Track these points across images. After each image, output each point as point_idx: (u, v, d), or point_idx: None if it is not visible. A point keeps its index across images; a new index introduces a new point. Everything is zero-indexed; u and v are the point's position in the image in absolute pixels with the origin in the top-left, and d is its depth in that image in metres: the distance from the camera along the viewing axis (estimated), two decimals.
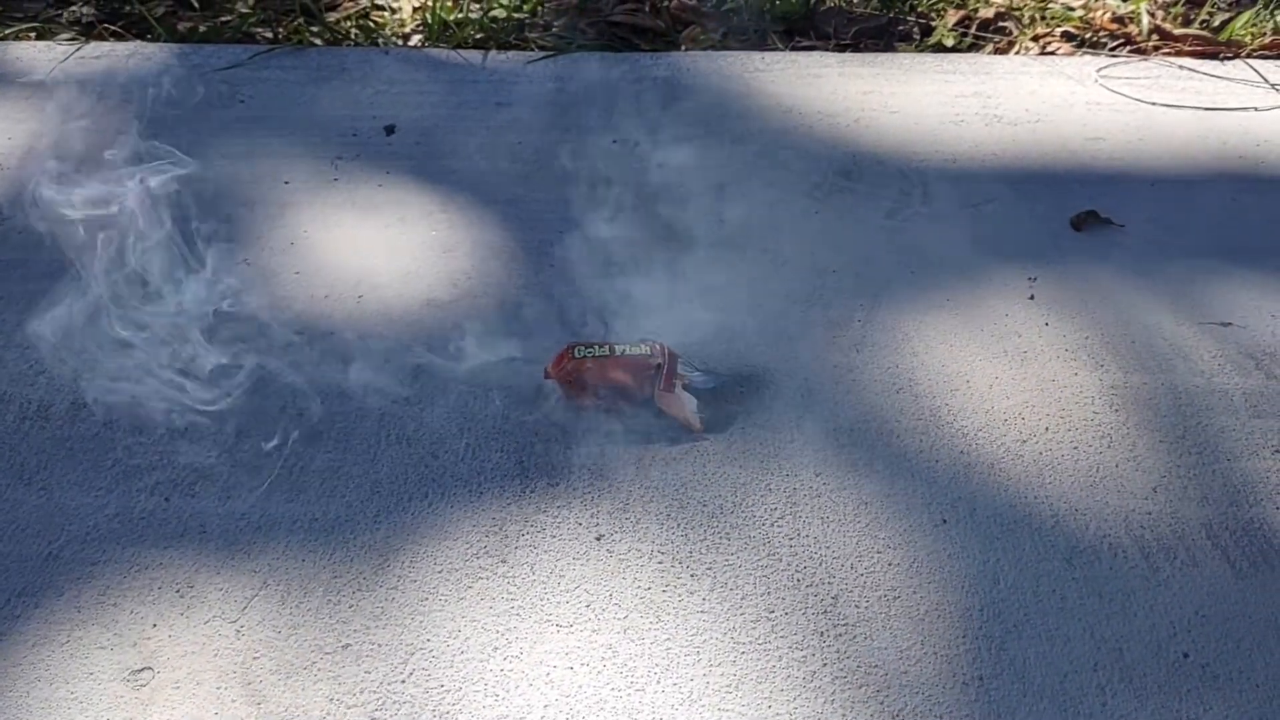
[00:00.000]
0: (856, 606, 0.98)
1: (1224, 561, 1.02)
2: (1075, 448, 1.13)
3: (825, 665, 0.93)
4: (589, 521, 1.05)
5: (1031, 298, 1.33)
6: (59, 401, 1.19)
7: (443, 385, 1.20)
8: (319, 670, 0.93)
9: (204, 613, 0.97)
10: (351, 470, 1.11)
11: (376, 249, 1.42)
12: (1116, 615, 0.97)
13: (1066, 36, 1.97)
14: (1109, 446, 1.14)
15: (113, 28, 1.99)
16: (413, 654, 0.94)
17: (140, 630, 0.96)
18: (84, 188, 1.30)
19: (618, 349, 1.17)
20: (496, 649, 0.94)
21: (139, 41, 1.93)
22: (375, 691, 0.91)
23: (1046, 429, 1.15)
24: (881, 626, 0.96)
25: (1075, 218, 1.45)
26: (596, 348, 1.17)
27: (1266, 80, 1.80)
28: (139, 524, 1.05)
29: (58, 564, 1.02)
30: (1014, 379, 1.22)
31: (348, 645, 0.95)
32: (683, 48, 1.94)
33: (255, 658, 0.94)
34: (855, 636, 0.96)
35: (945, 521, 1.06)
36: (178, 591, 0.99)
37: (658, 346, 1.17)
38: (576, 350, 1.16)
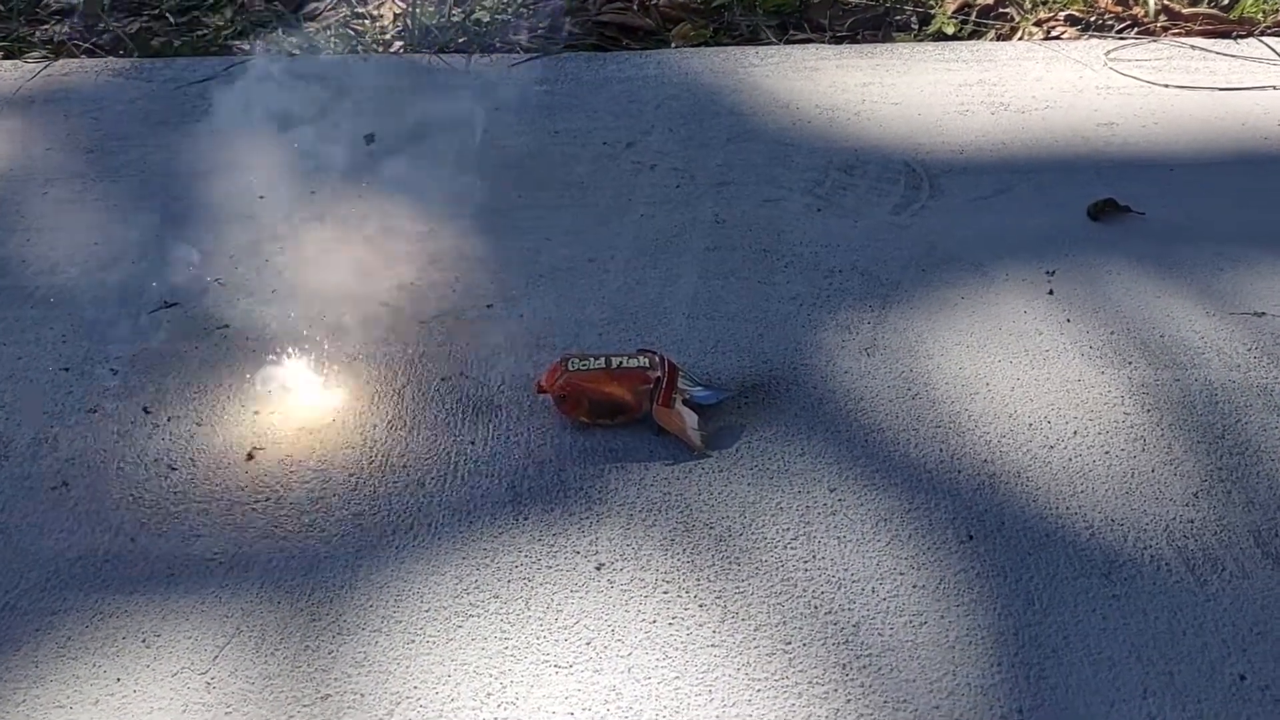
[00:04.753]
0: (880, 635, 0.90)
1: (1277, 571, 0.94)
2: (1107, 452, 1.06)
3: (849, 702, 0.86)
4: (587, 549, 0.98)
5: (1050, 293, 1.25)
6: (20, 437, 1.11)
7: (428, 405, 1.13)
8: None
9: (171, 664, 0.89)
10: (331, 501, 1.03)
11: (359, 263, 1.34)
12: (1163, 635, 0.89)
13: (1070, 20, 1.90)
14: (1143, 450, 1.06)
15: (85, 45, 1.92)
16: (398, 704, 0.86)
17: (103, 685, 0.88)
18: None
19: (614, 361, 1.09)
20: (490, 695, 0.87)
21: (110, 58, 1.87)
22: None
23: (1074, 433, 1.08)
24: (908, 656, 0.89)
25: (1093, 206, 1.38)
26: (591, 360, 1.09)
27: None
28: (103, 568, 0.97)
29: (15, 615, 0.94)
30: (1036, 380, 1.14)
31: (328, 696, 0.87)
32: (673, 45, 1.87)
33: (227, 712, 0.86)
34: (880, 668, 0.88)
35: (972, 537, 0.98)
36: (143, 641, 0.91)
37: (657, 358, 1.10)
38: (570, 363, 1.09)
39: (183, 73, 1.78)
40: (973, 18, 1.91)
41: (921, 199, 1.42)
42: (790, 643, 0.90)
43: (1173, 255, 1.31)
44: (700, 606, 0.93)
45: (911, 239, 1.35)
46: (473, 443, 1.09)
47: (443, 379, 1.16)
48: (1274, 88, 1.65)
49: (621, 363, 1.09)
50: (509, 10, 1.95)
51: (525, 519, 1.01)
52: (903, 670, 0.88)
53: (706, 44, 1.87)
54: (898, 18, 1.93)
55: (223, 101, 1.69)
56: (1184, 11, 1.88)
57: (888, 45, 1.82)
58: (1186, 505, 1.00)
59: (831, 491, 1.02)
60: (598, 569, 0.96)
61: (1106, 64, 1.73)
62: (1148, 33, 1.85)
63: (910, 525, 0.99)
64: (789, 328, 1.22)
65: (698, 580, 0.95)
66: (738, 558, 0.97)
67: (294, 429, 1.10)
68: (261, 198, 1.47)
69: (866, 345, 1.19)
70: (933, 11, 1.92)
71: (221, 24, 1.97)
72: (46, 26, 2.02)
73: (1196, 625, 0.90)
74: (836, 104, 1.63)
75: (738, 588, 0.94)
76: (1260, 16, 1.85)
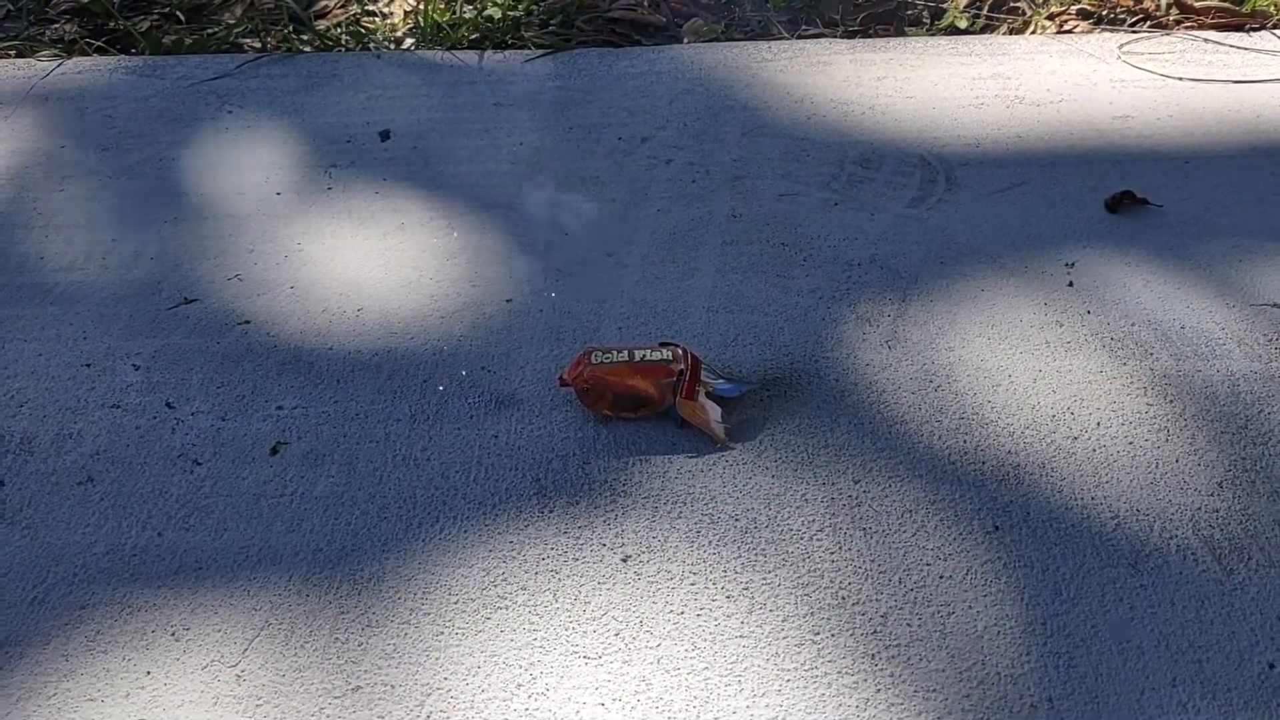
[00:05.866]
0: (908, 625, 0.90)
1: None
2: (1131, 443, 1.06)
3: (879, 691, 0.86)
4: (613, 542, 0.98)
5: (1070, 284, 1.25)
6: (44, 433, 1.11)
7: (451, 401, 1.13)
8: (328, 717, 0.85)
9: (201, 657, 0.90)
10: (356, 495, 1.03)
11: (375, 259, 1.34)
12: (1191, 624, 0.90)
13: (1083, 14, 1.90)
14: (1167, 440, 1.06)
15: (96, 43, 1.92)
16: (429, 695, 0.86)
17: (133, 679, 0.88)
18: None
19: (637, 354, 1.09)
20: (520, 686, 0.87)
21: (122, 56, 1.87)
22: None
23: (1098, 424, 1.08)
24: (937, 646, 0.89)
25: (1111, 199, 1.38)
26: (614, 353, 1.09)
27: None
28: (130, 562, 0.98)
29: (44, 609, 0.94)
30: (1059, 372, 1.14)
31: (358, 688, 0.87)
32: (685, 41, 1.87)
33: (258, 705, 0.86)
34: (909, 659, 0.88)
35: (997, 528, 0.98)
36: (173, 634, 0.91)
37: (680, 351, 1.10)
38: (593, 355, 1.09)
39: (195, 70, 1.78)
40: (984, 11, 1.90)
41: (938, 192, 1.42)
42: (818, 633, 0.90)
43: (1191, 247, 1.31)
44: (728, 598, 0.93)
45: (929, 232, 1.35)
46: (496, 436, 1.09)
47: (465, 373, 1.16)
48: None
49: (644, 356, 1.09)
50: (520, 7, 1.95)
51: (550, 511, 1.01)
52: (931, 660, 0.88)
53: (718, 39, 1.87)
54: (909, 12, 1.93)
55: (236, 98, 1.69)
56: (1196, 5, 1.87)
57: (900, 39, 1.82)
58: (1211, 495, 1.00)
59: (856, 483, 1.02)
60: (624, 561, 0.96)
61: (1120, 57, 1.73)
62: (1160, 26, 1.85)
63: (935, 516, 0.99)
64: (809, 321, 1.22)
65: (724, 572, 0.95)
66: (764, 549, 0.97)
67: (317, 423, 1.11)
68: (278, 194, 1.47)
69: (887, 338, 1.19)
70: (944, 5, 1.92)
71: (232, 21, 1.97)
72: (56, 25, 2.02)
73: (1224, 614, 0.90)
74: (850, 98, 1.63)
75: (764, 579, 0.94)
76: (1272, 9, 1.85)
